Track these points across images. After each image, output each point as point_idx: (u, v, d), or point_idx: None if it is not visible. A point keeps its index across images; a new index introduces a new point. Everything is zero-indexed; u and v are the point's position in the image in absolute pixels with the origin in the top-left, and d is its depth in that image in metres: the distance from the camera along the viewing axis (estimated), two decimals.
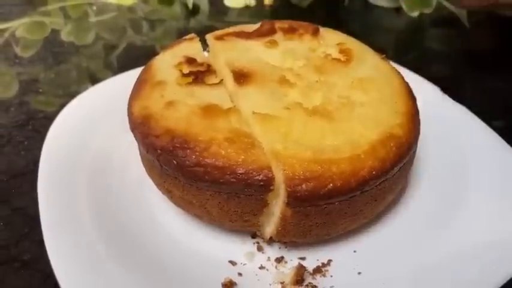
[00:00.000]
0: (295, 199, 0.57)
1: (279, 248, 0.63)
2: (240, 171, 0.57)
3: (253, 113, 0.61)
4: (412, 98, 0.68)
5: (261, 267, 0.61)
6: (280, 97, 0.64)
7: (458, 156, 0.74)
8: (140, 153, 0.70)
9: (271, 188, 0.57)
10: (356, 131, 0.60)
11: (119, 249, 0.59)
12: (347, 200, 0.60)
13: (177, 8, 1.24)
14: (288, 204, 0.58)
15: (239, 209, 0.61)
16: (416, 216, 0.67)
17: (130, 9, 1.28)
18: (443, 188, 0.70)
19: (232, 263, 0.61)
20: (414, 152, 0.67)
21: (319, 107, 0.63)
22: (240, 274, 0.59)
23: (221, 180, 0.57)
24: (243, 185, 0.57)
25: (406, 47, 1.13)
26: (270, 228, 0.62)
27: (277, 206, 0.59)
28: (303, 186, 0.57)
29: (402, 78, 0.71)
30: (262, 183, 0.57)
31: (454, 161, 0.73)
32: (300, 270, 0.58)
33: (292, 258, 0.62)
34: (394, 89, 0.68)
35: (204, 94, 0.65)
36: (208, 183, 0.58)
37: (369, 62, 0.72)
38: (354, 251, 0.63)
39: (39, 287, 0.61)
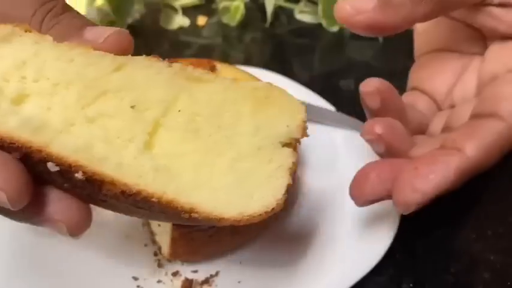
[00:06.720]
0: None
1: (176, 263, 0.75)
2: None
3: None
4: None
5: (159, 281, 0.73)
6: None
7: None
8: None
9: None
10: None
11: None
12: None
13: None
14: (174, 228, 0.70)
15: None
16: (295, 227, 0.80)
17: None
18: (321, 200, 0.83)
19: (135, 278, 0.73)
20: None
21: None
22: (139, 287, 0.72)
23: None
24: None
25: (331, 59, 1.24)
26: (165, 248, 0.74)
27: (168, 228, 0.72)
28: None
29: None
30: None
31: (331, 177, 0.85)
32: (186, 283, 0.71)
33: (186, 272, 0.74)
34: None
35: None
36: None
37: None
38: (240, 262, 0.76)
39: None
